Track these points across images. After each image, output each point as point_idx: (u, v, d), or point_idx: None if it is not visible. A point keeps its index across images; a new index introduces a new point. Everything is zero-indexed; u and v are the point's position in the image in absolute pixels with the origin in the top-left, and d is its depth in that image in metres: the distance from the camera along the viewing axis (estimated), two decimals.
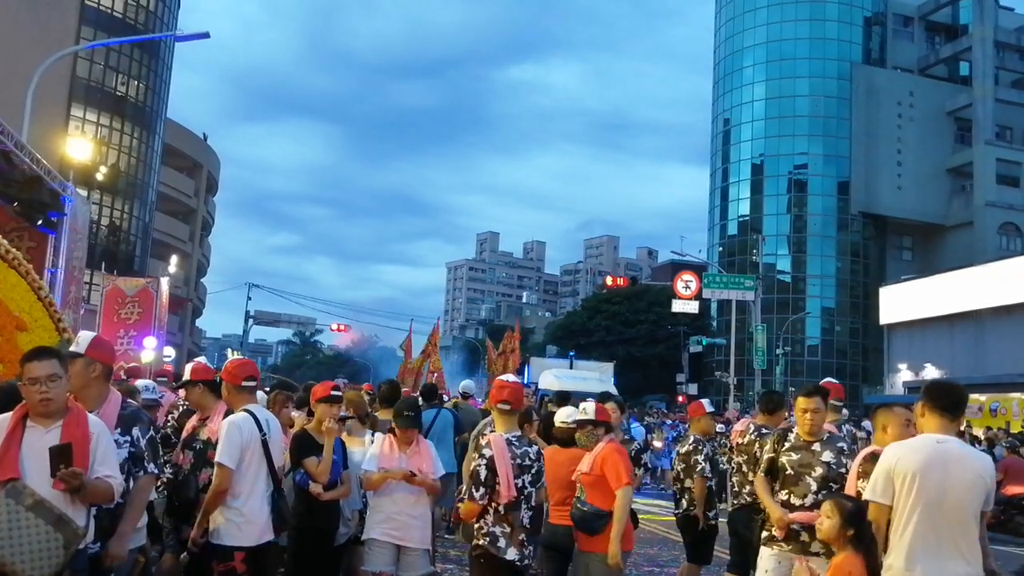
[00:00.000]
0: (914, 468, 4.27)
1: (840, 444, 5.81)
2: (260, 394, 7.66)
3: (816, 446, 5.74)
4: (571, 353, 37.84)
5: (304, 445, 6.31)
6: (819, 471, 5.64)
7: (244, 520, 5.32)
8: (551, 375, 23.77)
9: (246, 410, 5.52)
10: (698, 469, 7.94)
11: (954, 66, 61.92)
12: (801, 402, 5.83)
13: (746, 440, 7.56)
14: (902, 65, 61.22)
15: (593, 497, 5.97)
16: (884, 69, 60.30)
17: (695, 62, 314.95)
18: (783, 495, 5.71)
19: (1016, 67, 60.87)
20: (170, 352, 35.44)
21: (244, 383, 5.64)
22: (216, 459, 5.32)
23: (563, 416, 6.90)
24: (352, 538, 6.74)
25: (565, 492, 6.61)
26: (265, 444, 5.47)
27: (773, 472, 5.83)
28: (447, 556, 9.59)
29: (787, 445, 5.84)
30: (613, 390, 18.75)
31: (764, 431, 7.21)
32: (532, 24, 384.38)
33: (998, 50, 58.69)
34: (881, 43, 61.90)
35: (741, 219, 62.21)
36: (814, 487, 5.61)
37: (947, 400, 4.52)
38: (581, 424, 6.22)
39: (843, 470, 5.52)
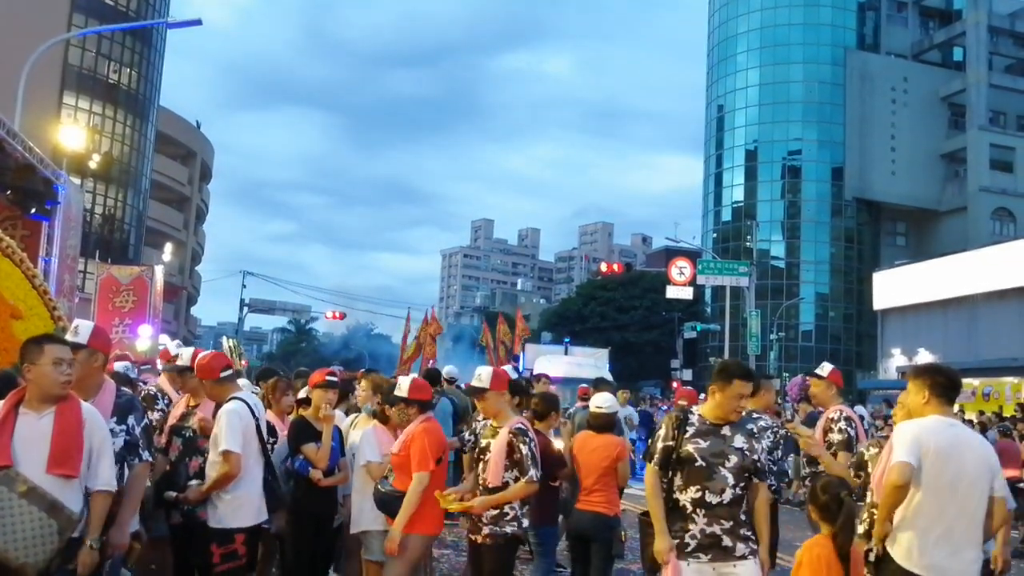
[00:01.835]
0: (936, 447, 4.30)
1: (750, 426, 4.84)
2: (244, 381, 7.71)
3: (726, 430, 4.74)
4: (566, 339, 37.90)
5: (302, 431, 6.33)
6: (733, 460, 4.65)
7: (242, 503, 5.41)
8: (546, 361, 23.82)
9: (237, 398, 5.57)
10: None
11: (948, 51, 61.86)
12: (739, 386, 4.70)
13: None
14: (896, 50, 61.14)
15: (401, 480, 5.73)
16: (878, 55, 60.24)
17: (688, 51, 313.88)
18: (694, 492, 4.65)
19: (1010, 52, 60.81)
20: (165, 340, 35.36)
21: (223, 374, 5.69)
22: (224, 447, 5.35)
23: (598, 402, 7.01)
24: (343, 522, 6.77)
25: (594, 478, 6.70)
26: (259, 428, 5.56)
27: (670, 465, 4.75)
28: (443, 541, 9.63)
29: (691, 431, 4.74)
30: (608, 376, 18.79)
31: (755, 414, 7.21)
32: (525, 13, 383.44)
33: (992, 35, 58.60)
34: (875, 28, 61.83)
35: (735, 205, 62.18)
36: (731, 480, 4.63)
37: (953, 387, 4.57)
38: (393, 401, 6.05)
39: (755, 456, 4.72)
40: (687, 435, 4.73)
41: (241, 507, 5.40)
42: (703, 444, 4.69)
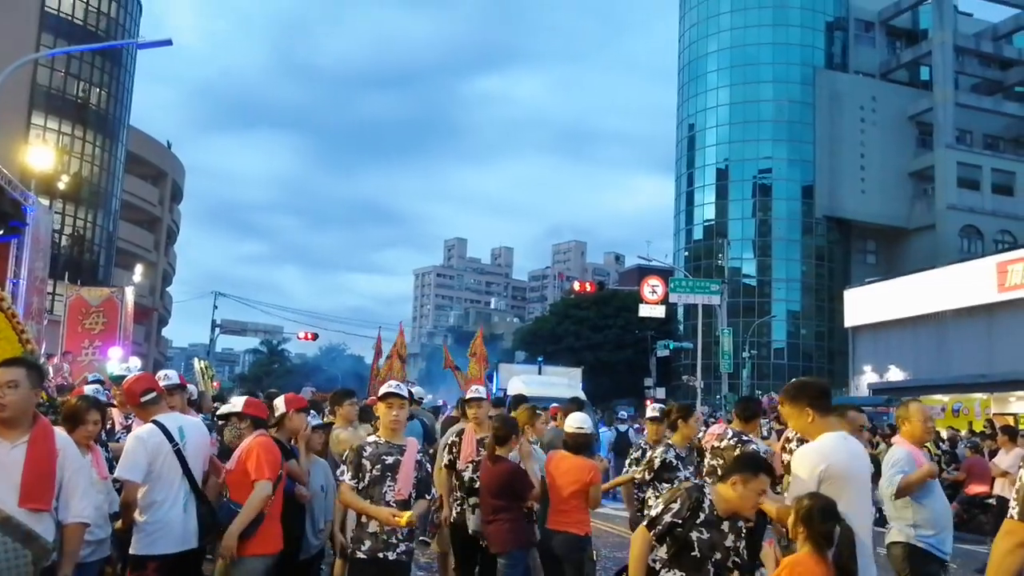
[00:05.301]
0: (838, 469, 4.42)
1: (740, 523, 4.63)
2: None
3: (725, 525, 4.53)
4: (540, 359, 37.79)
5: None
6: (718, 556, 4.51)
7: (159, 529, 5.25)
8: (519, 381, 23.74)
9: (154, 421, 5.42)
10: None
11: (915, 71, 62.71)
12: (763, 481, 4.54)
13: (723, 445, 7.49)
14: (864, 70, 61.89)
15: (237, 496, 5.53)
16: (846, 74, 60.92)
17: (659, 72, 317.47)
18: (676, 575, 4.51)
19: (975, 71, 61.74)
20: (136, 362, 35.05)
21: (143, 399, 5.54)
22: (116, 474, 5.30)
23: (575, 422, 6.90)
24: (321, 549, 6.68)
25: (566, 498, 6.63)
26: (179, 453, 5.36)
27: (665, 539, 4.53)
28: (417, 563, 9.57)
29: (701, 517, 4.48)
30: (582, 395, 18.75)
31: (744, 438, 7.18)
32: (498, 37, 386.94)
33: (958, 55, 59.46)
34: (843, 48, 62.56)
35: (707, 224, 62.50)
36: (711, 573, 4.50)
37: (826, 393, 4.70)
38: (223, 417, 5.92)
39: (738, 557, 4.56)
40: (697, 521, 4.50)
41: (157, 534, 5.24)
42: (704, 536, 4.49)
